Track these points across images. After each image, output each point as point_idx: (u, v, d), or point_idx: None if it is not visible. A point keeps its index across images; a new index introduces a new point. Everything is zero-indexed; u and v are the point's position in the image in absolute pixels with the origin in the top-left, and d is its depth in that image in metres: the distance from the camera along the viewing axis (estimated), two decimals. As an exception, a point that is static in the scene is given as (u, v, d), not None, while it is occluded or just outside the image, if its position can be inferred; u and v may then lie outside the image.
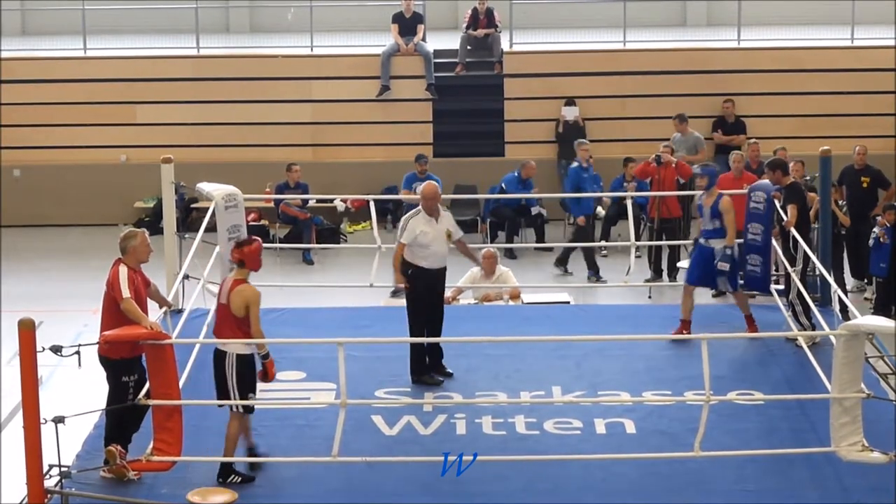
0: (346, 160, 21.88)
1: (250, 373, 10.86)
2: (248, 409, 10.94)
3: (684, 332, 13.62)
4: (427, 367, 12.81)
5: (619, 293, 17.70)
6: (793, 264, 14.15)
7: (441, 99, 22.18)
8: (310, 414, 12.03)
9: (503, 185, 19.99)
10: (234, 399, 10.79)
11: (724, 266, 13.60)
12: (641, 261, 18.29)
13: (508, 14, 22.59)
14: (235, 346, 10.80)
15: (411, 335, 12.82)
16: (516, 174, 20.03)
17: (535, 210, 20.38)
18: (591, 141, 21.50)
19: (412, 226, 12.71)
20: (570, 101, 21.68)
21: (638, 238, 17.08)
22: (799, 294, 13.46)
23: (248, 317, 10.79)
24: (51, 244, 20.89)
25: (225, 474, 10.83)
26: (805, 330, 13.26)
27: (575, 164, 18.67)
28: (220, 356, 10.86)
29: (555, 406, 12.22)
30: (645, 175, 18.14)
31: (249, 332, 10.80)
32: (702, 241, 13.78)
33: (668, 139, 19.23)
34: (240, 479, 10.83)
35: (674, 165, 18.05)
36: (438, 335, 12.76)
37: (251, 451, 11.11)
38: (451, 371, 12.88)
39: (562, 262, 19.00)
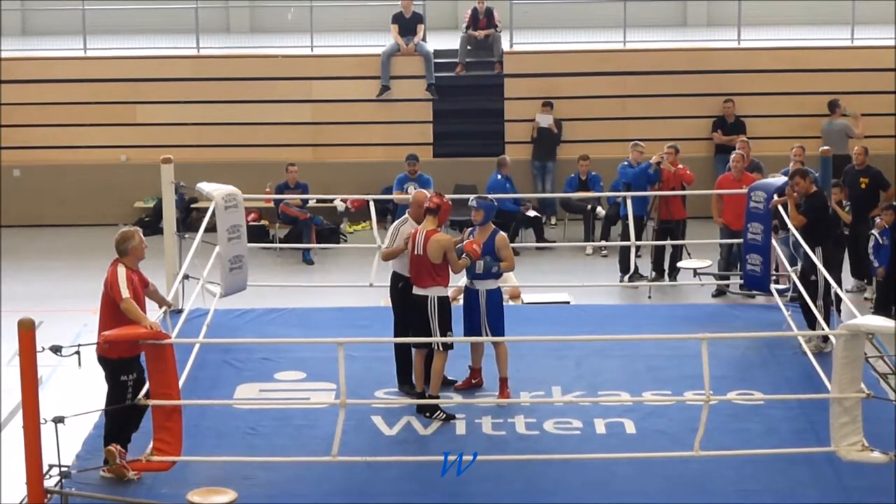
0: (346, 160, 21.86)
1: (448, 312, 12.01)
2: (448, 347, 12.01)
3: (473, 381, 12.70)
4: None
5: (619, 293, 17.70)
6: (793, 263, 14.15)
7: (441, 99, 22.15)
8: (310, 414, 12.04)
9: (490, 191, 19.63)
10: (436, 337, 11.84)
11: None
12: (641, 260, 18.26)
13: (508, 14, 22.56)
14: (435, 290, 11.98)
15: (399, 347, 12.65)
16: (499, 177, 19.86)
17: (531, 213, 20.23)
18: (592, 141, 21.58)
19: (403, 234, 12.45)
20: (548, 104, 21.55)
21: (640, 237, 17.08)
22: (826, 297, 13.37)
23: (444, 262, 11.97)
24: (51, 244, 20.87)
25: (431, 409, 11.81)
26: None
27: (625, 163, 18.40)
28: (422, 301, 12.00)
29: (555, 406, 12.22)
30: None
31: (446, 276, 12.04)
32: (468, 282, 12.49)
33: (670, 140, 19.08)
34: (444, 416, 11.85)
35: (673, 171, 17.93)
36: None
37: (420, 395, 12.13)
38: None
39: (626, 269, 18.06)
